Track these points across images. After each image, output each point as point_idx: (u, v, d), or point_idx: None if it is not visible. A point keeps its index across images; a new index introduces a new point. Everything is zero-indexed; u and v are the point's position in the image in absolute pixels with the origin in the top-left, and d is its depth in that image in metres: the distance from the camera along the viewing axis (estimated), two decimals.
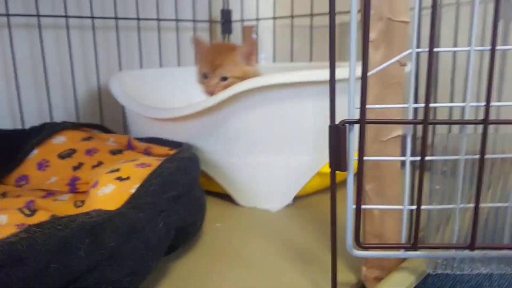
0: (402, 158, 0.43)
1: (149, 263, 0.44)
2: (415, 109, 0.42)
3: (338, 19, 0.44)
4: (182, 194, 0.54)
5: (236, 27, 1.19)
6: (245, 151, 0.69)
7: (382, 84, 0.44)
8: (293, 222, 0.66)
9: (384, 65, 0.40)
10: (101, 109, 0.98)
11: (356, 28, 0.37)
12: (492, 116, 0.39)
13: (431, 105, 0.39)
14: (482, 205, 0.42)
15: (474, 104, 0.41)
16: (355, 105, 0.40)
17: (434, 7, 0.36)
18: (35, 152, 0.78)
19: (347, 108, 0.40)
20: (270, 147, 0.69)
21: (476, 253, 0.44)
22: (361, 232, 0.43)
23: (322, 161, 0.71)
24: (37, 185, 0.75)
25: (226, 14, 1.16)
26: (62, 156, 0.78)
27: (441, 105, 0.40)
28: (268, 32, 1.16)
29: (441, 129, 0.72)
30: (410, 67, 0.42)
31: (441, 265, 0.47)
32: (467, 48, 0.39)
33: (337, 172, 0.42)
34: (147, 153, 0.77)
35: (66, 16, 0.90)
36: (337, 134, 0.40)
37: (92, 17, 0.93)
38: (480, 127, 0.39)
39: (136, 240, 0.43)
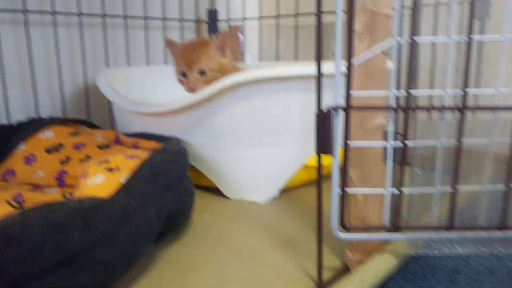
0: (384, 143, 0.45)
1: (140, 247, 0.45)
2: (397, 98, 0.44)
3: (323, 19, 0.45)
4: (172, 183, 0.55)
5: (223, 27, 1.21)
6: (231, 144, 0.71)
7: (365, 75, 0.46)
8: (280, 213, 0.68)
9: (368, 54, 0.42)
10: (88, 106, 0.98)
11: (342, 20, 0.39)
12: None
13: (412, 91, 0.41)
14: (459, 187, 0.44)
15: (452, 92, 0.43)
16: (341, 92, 0.41)
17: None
18: (22, 147, 0.78)
19: (332, 97, 0.42)
20: (256, 140, 0.70)
21: (454, 234, 0.46)
22: (345, 217, 0.45)
23: (307, 154, 0.73)
24: (24, 180, 0.75)
25: (212, 14, 1.18)
26: (49, 151, 0.78)
27: (421, 92, 0.43)
28: (254, 31, 1.18)
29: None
30: (391, 64, 0.44)
31: (422, 247, 0.49)
32: (446, 39, 0.42)
33: (323, 165, 0.43)
34: (135, 147, 0.77)
35: (53, 13, 0.90)
36: (323, 120, 0.42)
37: (79, 14, 0.93)
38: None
39: (128, 225, 0.44)
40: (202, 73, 0.77)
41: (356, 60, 0.43)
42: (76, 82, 1.01)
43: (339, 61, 0.40)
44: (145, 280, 0.47)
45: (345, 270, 0.50)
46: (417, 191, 0.46)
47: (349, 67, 0.41)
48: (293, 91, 0.68)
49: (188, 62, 0.77)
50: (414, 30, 0.40)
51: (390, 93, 0.43)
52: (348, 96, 0.42)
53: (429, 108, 0.43)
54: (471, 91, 0.42)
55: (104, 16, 0.98)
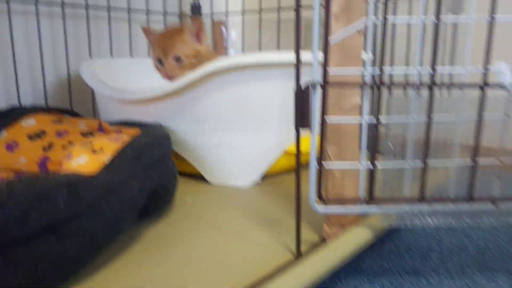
0: (359, 118, 0.47)
1: (124, 220, 0.46)
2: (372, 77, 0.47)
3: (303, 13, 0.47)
4: (155, 163, 0.56)
5: (206, 21, 1.22)
6: (213, 130, 0.72)
7: (342, 55, 0.48)
8: (262, 196, 0.69)
9: (344, 32, 0.45)
10: (71, 96, 0.99)
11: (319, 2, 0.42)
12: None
13: (384, 67, 0.44)
14: (429, 162, 0.47)
15: (422, 70, 0.46)
16: (318, 70, 0.44)
17: None
18: (4, 133, 0.78)
19: (311, 74, 0.44)
20: (238, 126, 0.72)
21: (425, 206, 0.48)
22: (323, 191, 0.47)
23: (288, 141, 0.75)
24: (6, 165, 0.75)
25: (196, 8, 1.19)
26: (31, 137, 0.78)
27: (391, 70, 0.45)
28: (237, 25, 1.20)
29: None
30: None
31: (395, 220, 0.51)
32: (416, 20, 0.44)
33: (301, 153, 0.45)
34: (118, 134, 0.78)
35: (36, 3, 0.90)
36: (301, 95, 0.44)
37: (62, 4, 0.94)
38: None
39: (112, 197, 0.45)
40: (178, 59, 0.78)
41: (333, 39, 0.45)
42: (59, 73, 1.01)
43: (316, 40, 0.43)
44: (129, 253, 0.48)
45: (322, 243, 0.52)
46: (390, 165, 0.48)
47: (326, 45, 0.43)
48: (274, 78, 0.70)
49: (164, 48, 0.78)
50: (386, 9, 0.42)
51: (364, 71, 0.45)
52: (325, 73, 0.44)
53: (399, 85, 0.46)
54: (440, 69, 0.45)
55: (87, 7, 0.98)
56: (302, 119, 0.45)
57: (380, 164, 0.48)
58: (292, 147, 0.76)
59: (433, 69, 0.44)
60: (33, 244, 0.38)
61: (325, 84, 0.44)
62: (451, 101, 0.48)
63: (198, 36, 0.81)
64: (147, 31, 0.85)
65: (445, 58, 0.79)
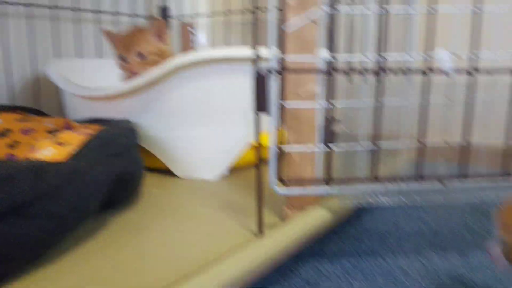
0: (315, 103, 0.50)
1: (90, 203, 0.48)
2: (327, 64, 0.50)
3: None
4: (121, 153, 0.57)
5: (175, 24, 1.24)
6: (180, 124, 0.74)
7: (298, 44, 0.51)
8: (228, 187, 0.71)
9: (298, 21, 0.48)
10: (37, 97, 0.98)
11: None
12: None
13: (337, 55, 0.47)
14: (380, 143, 0.50)
15: (371, 57, 0.49)
16: (275, 57, 0.46)
17: None
18: None
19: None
20: (204, 120, 0.74)
21: (379, 187, 0.52)
22: (283, 174, 0.50)
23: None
24: None
25: (164, 11, 1.21)
26: None
27: (341, 57, 0.49)
28: (205, 27, 1.23)
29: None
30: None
31: (351, 200, 0.54)
32: (364, 10, 0.48)
33: (262, 148, 0.48)
34: None
35: (1, 3, 0.90)
36: (260, 81, 0.47)
37: (27, 5, 0.94)
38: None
39: (77, 181, 0.46)
40: (141, 55, 0.79)
41: (288, 27, 0.48)
42: (25, 73, 1.00)
43: (273, 29, 0.45)
44: (95, 239, 0.49)
45: (282, 223, 0.54)
46: (345, 147, 0.51)
47: (282, 34, 0.46)
48: (239, 72, 0.72)
49: (127, 46, 0.80)
50: (334, 1, 0.46)
51: (318, 58, 0.48)
52: (281, 60, 0.47)
53: (351, 71, 0.49)
54: (387, 56, 0.49)
55: (53, 7, 0.98)
56: (260, 103, 0.47)
57: (335, 146, 0.51)
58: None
59: (380, 56, 0.48)
60: None
61: (281, 70, 0.47)
62: (400, 86, 0.52)
63: (160, 36, 0.83)
64: (108, 33, 0.86)
65: (405, 46, 0.84)
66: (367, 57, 0.49)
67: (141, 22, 1.23)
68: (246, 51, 0.71)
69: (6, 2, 0.91)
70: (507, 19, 0.50)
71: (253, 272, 0.44)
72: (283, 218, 0.54)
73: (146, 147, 0.77)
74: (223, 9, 1.14)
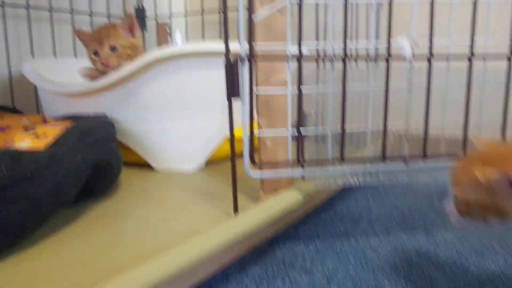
0: (284, 88, 0.53)
1: (68, 188, 0.49)
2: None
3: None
4: (98, 142, 0.59)
5: (150, 24, 1.26)
6: (157, 118, 0.76)
7: (267, 34, 0.54)
8: (206, 178, 0.73)
9: (265, 11, 0.50)
10: (13, 95, 0.98)
11: None
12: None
13: (301, 44, 0.50)
14: (346, 126, 0.53)
15: (335, 45, 0.52)
16: (245, 45, 0.49)
17: None
18: None
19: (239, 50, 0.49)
20: (180, 113, 0.76)
21: (347, 168, 0.55)
22: (257, 160, 0.52)
23: None
24: None
25: (140, 11, 1.23)
26: None
27: (308, 45, 0.51)
28: (181, 27, 1.25)
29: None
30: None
31: (322, 182, 0.57)
32: (328, 0, 0.51)
33: (236, 143, 0.50)
34: None
35: None
36: (231, 69, 0.49)
37: (2, 5, 0.94)
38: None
39: (55, 167, 0.47)
40: (113, 48, 0.81)
41: (256, 17, 0.50)
42: (0, 73, 1.00)
43: (241, 19, 0.48)
44: (75, 225, 0.51)
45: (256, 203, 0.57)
46: (313, 131, 0.54)
47: (251, 23, 0.49)
48: (215, 66, 0.75)
49: (99, 40, 0.81)
50: None
51: (286, 46, 0.51)
52: (250, 48, 0.49)
53: (319, 58, 0.52)
54: (351, 44, 0.52)
55: (28, 7, 0.99)
56: (232, 90, 0.49)
57: (304, 130, 0.54)
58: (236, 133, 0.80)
59: (344, 44, 0.51)
60: None
61: (251, 58, 0.49)
62: (364, 72, 0.55)
63: (131, 30, 0.84)
64: (79, 33, 0.87)
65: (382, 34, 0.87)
66: (333, 46, 0.52)
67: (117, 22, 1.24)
68: (219, 45, 0.73)
69: None
70: (461, 8, 0.54)
71: (229, 247, 0.46)
72: (258, 201, 0.57)
73: (124, 142, 0.78)
74: (198, 8, 1.17)
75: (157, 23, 1.26)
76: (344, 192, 0.85)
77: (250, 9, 0.48)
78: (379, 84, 0.54)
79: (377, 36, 0.79)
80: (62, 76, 0.98)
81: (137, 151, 0.78)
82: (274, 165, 0.56)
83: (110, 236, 0.48)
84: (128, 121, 0.77)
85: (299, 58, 0.51)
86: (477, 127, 0.56)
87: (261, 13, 0.51)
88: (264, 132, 0.55)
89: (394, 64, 0.54)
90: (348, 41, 0.51)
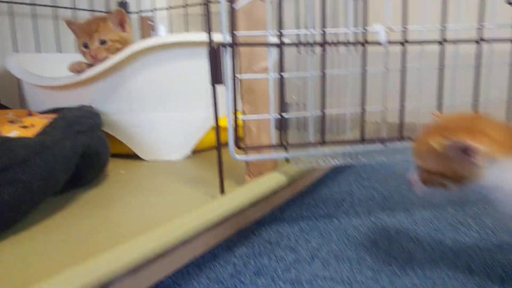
0: (266, 75, 0.55)
1: (58, 174, 0.50)
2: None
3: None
4: (86, 131, 0.60)
5: (134, 19, 1.26)
6: (143, 108, 0.77)
7: (248, 21, 0.56)
8: (192, 166, 0.75)
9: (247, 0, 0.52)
10: None
11: None
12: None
13: (283, 31, 0.52)
14: (326, 111, 0.55)
15: (315, 32, 0.54)
16: (227, 33, 0.51)
17: None
18: None
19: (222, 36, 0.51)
20: (166, 103, 0.77)
21: (328, 150, 0.57)
22: (242, 144, 0.54)
23: None
24: None
25: (123, 6, 1.23)
26: None
27: (289, 32, 0.53)
28: (164, 21, 1.26)
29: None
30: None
31: (305, 164, 0.59)
32: None
33: (221, 132, 0.52)
34: None
35: None
36: (214, 55, 0.51)
37: None
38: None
39: (45, 153, 0.49)
40: (103, 42, 0.82)
41: (237, 5, 0.52)
42: None
43: (223, 6, 0.50)
44: (65, 211, 0.52)
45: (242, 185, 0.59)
46: (295, 115, 0.56)
47: (232, 11, 0.50)
48: (200, 56, 0.76)
49: (89, 33, 0.82)
50: None
51: (267, 33, 0.53)
52: (233, 35, 0.51)
53: (298, 44, 0.54)
54: (329, 30, 0.54)
55: (11, 2, 0.99)
56: (216, 77, 0.51)
57: (286, 114, 0.56)
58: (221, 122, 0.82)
59: (323, 30, 0.53)
60: None
61: (233, 44, 0.51)
62: (342, 57, 0.57)
63: (121, 25, 0.85)
64: (70, 23, 0.88)
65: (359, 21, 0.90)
66: (312, 31, 0.54)
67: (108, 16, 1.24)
68: (202, 35, 0.74)
69: None
70: None
71: (217, 225, 0.48)
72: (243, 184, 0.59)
73: (111, 133, 0.79)
74: (181, 2, 1.18)
75: (140, 17, 1.26)
76: (327, 178, 0.87)
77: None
78: (358, 70, 0.57)
79: (355, 24, 0.82)
80: (46, 71, 0.98)
81: (124, 142, 0.80)
82: (259, 149, 0.58)
83: (99, 220, 0.49)
84: (115, 112, 0.78)
85: (280, 44, 0.53)
86: (451, 108, 0.59)
87: (242, 1, 0.53)
88: (248, 117, 0.57)
89: (371, 50, 0.56)
90: (327, 28, 0.53)
